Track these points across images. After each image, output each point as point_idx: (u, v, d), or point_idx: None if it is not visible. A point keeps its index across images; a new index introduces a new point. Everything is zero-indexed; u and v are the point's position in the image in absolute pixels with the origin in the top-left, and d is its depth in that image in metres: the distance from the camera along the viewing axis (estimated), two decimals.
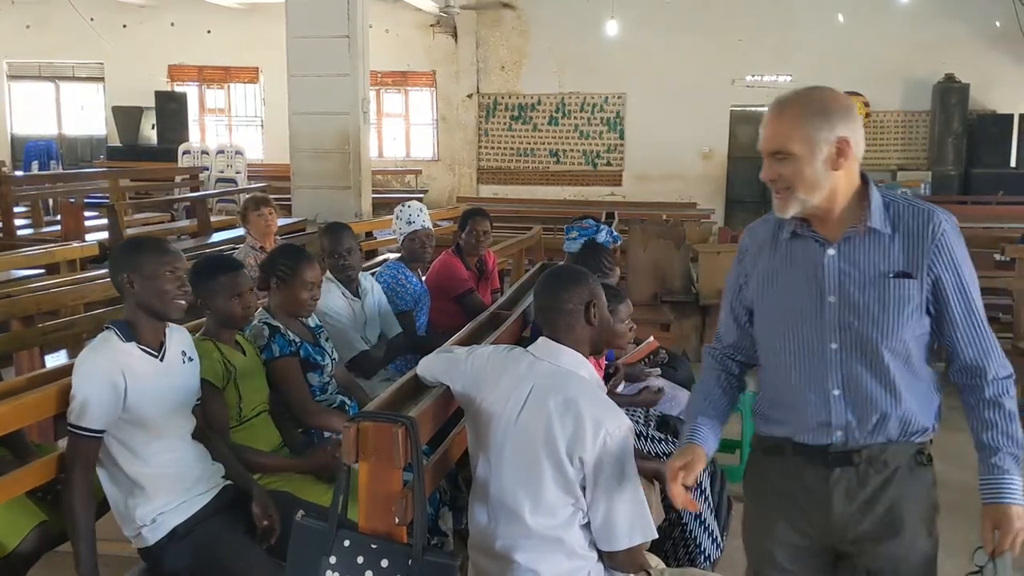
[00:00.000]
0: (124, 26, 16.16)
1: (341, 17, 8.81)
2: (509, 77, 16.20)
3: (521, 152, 16.38)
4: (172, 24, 16.17)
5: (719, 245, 7.86)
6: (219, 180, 12.85)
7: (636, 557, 2.39)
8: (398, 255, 4.73)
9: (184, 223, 9.70)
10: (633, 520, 2.32)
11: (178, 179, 12.38)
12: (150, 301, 2.60)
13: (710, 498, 3.41)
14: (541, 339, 2.48)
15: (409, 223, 4.50)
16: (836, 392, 2.06)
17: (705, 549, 3.33)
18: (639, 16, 14.77)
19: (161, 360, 2.64)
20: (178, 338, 2.74)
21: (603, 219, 5.76)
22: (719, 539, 3.41)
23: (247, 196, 6.42)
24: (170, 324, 2.71)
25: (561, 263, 4.43)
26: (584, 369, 2.43)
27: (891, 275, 2.01)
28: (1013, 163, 14.42)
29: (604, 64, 15.46)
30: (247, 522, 2.68)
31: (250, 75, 16.80)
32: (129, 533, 2.64)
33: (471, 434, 2.51)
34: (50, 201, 10.64)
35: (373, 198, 9.63)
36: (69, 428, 2.52)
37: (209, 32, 16.20)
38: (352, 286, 4.07)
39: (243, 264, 3.15)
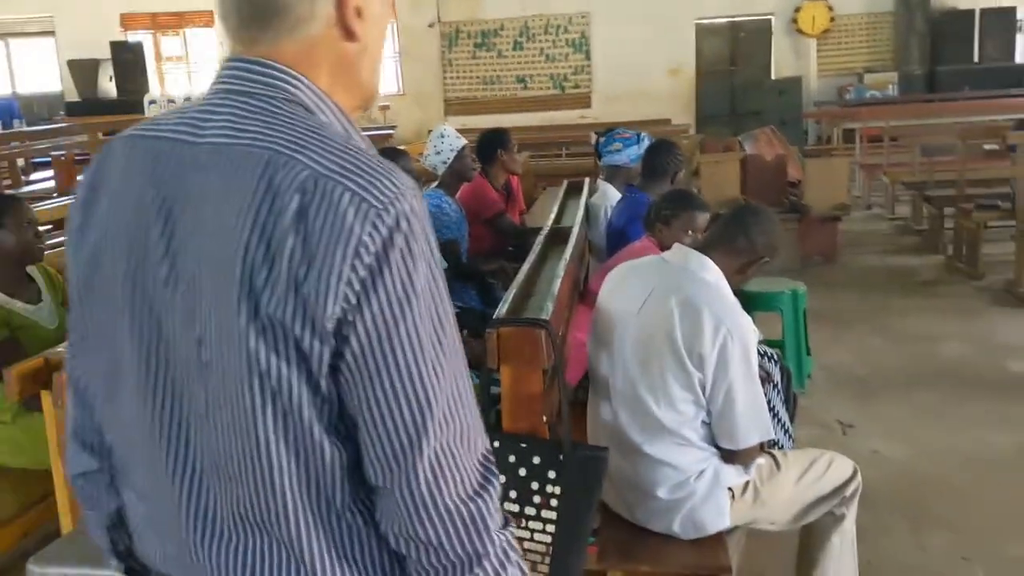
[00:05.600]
0: None
1: None
2: (470, 2, 15.94)
3: (487, 81, 16.19)
4: None
5: (718, 155, 7.94)
6: None
7: (752, 455, 2.46)
8: (435, 183, 4.71)
9: None
10: (750, 420, 2.38)
11: None
12: None
13: (782, 392, 3.53)
14: (676, 245, 2.55)
15: (457, 139, 4.52)
16: None
17: (779, 440, 3.46)
18: None
19: None
20: None
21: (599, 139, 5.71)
22: (790, 430, 3.54)
23: None
24: None
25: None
26: (710, 273, 2.45)
27: None
28: (976, 59, 14.60)
29: None
30: None
31: (205, 19, 16.32)
32: None
33: (592, 336, 2.58)
34: (19, 161, 10.39)
35: None
36: None
37: None
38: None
39: None
